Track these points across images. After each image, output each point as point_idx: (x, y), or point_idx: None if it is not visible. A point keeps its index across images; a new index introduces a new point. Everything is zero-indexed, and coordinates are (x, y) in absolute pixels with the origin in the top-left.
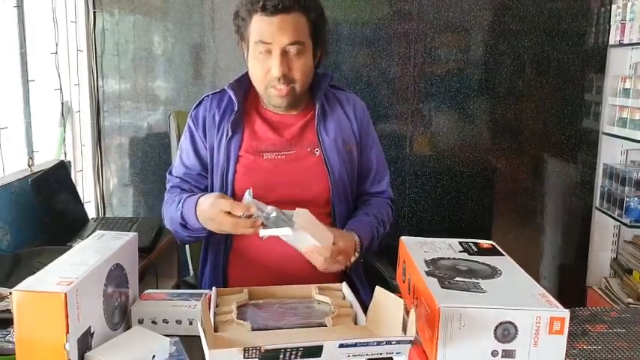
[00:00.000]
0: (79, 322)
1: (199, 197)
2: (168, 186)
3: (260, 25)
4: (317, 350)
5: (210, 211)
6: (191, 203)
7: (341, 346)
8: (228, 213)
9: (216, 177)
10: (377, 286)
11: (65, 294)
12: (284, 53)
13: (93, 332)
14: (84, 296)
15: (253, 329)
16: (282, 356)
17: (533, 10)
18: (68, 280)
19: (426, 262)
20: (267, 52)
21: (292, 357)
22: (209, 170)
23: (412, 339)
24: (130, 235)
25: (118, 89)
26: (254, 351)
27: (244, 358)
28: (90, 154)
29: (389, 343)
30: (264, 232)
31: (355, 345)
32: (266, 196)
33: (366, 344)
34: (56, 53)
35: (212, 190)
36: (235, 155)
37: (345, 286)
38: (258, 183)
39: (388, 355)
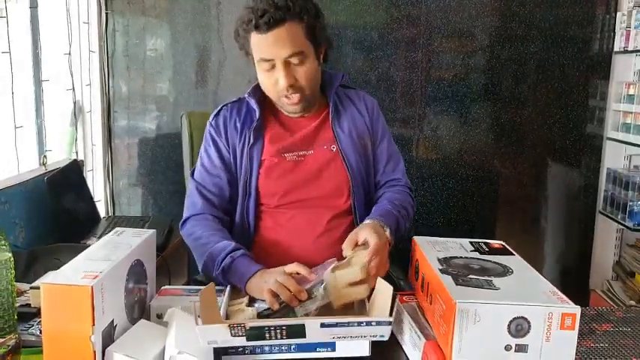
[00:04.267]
0: (104, 314)
1: (250, 277)
2: (192, 191)
3: (258, 43)
4: (300, 329)
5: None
6: (240, 276)
7: (322, 325)
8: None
9: (239, 183)
10: (378, 277)
11: (92, 287)
12: (287, 64)
13: (115, 325)
14: (108, 290)
15: (260, 316)
16: (267, 334)
17: (539, 16)
18: (93, 274)
19: (439, 260)
20: (272, 67)
21: (278, 336)
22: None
23: (391, 320)
24: (149, 232)
25: (128, 90)
26: (240, 328)
27: (232, 335)
28: (100, 154)
29: (369, 324)
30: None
31: (336, 325)
32: (288, 195)
33: (347, 324)
34: (69, 54)
35: (235, 196)
36: (258, 160)
37: None
38: (280, 183)
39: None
